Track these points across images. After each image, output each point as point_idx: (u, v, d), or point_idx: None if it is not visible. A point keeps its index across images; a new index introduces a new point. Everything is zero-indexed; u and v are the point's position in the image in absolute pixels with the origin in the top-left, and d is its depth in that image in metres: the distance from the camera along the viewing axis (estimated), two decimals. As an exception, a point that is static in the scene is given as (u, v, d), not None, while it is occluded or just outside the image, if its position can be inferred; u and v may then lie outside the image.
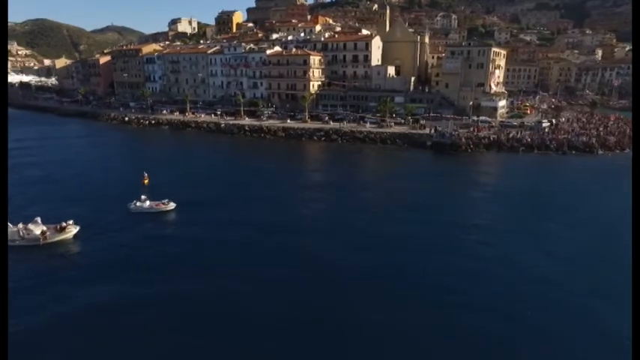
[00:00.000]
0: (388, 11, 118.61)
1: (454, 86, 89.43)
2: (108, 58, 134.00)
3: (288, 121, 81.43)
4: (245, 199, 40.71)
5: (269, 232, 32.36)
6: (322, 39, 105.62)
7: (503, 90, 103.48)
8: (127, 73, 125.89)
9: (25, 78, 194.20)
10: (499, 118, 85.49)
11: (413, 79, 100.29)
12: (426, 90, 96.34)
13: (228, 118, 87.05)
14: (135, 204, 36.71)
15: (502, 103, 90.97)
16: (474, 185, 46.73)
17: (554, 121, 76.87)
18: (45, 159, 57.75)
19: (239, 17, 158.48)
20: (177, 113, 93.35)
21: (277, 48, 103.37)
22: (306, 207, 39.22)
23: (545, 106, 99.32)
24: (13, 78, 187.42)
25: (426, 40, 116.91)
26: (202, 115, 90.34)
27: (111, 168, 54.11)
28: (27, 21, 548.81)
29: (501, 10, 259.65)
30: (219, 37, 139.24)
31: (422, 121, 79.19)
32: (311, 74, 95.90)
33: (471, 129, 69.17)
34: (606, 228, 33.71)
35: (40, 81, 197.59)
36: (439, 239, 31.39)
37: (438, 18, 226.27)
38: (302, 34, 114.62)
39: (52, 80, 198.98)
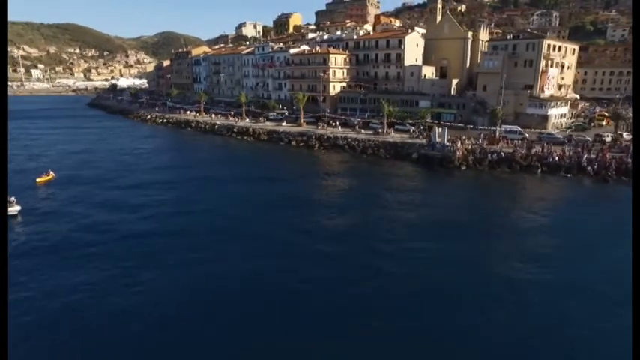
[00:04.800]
0: (440, 5, 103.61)
1: (493, 88, 72.51)
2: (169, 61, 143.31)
3: (284, 124, 74.58)
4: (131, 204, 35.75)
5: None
6: (355, 37, 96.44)
7: (572, 94, 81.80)
8: (179, 74, 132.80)
9: (124, 82, 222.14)
10: (550, 129, 66.68)
11: (455, 81, 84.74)
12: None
13: (232, 119, 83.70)
14: None
15: (559, 110, 70.95)
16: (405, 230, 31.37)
17: (621, 135, 55.93)
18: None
19: (297, 19, 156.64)
20: (194, 113, 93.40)
21: (304, 47, 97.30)
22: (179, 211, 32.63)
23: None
24: (111, 82, 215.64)
25: (482, 36, 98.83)
26: (212, 116, 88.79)
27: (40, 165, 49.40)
28: (156, 34, 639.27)
29: (626, 4, 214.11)
30: (267, 38, 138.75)
31: (437, 129, 65.46)
32: (331, 74, 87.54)
33: (481, 140, 53.93)
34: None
35: (135, 84, 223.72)
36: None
37: (535, 17, 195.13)
38: (338, 33, 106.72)
39: (145, 83, 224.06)
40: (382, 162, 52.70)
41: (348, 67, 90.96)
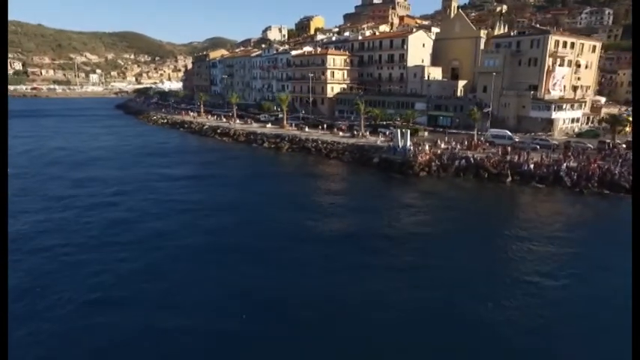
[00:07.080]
0: (455, 3, 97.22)
1: (493, 89, 66.12)
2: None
3: (268, 125, 72.99)
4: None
5: None
6: (360, 37, 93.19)
7: (593, 97, 72.79)
8: (199, 77, 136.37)
9: (167, 85, 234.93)
10: (556, 134, 59.61)
11: (463, 83, 78.81)
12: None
13: (224, 120, 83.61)
14: None
15: (570, 114, 63.08)
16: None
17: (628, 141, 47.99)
18: None
19: (319, 22, 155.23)
20: (194, 114, 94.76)
21: (307, 48, 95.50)
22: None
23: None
24: (156, 85, 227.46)
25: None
26: (209, 117, 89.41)
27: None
28: (206, 40, 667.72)
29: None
30: (287, 40, 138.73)
31: (422, 133, 61.03)
32: (329, 75, 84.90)
33: (454, 144, 48.75)
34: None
35: (171, 87, 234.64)
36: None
37: (583, 15, 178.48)
38: (346, 34, 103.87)
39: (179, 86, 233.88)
40: (341, 165, 49.36)
41: (348, 68, 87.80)
